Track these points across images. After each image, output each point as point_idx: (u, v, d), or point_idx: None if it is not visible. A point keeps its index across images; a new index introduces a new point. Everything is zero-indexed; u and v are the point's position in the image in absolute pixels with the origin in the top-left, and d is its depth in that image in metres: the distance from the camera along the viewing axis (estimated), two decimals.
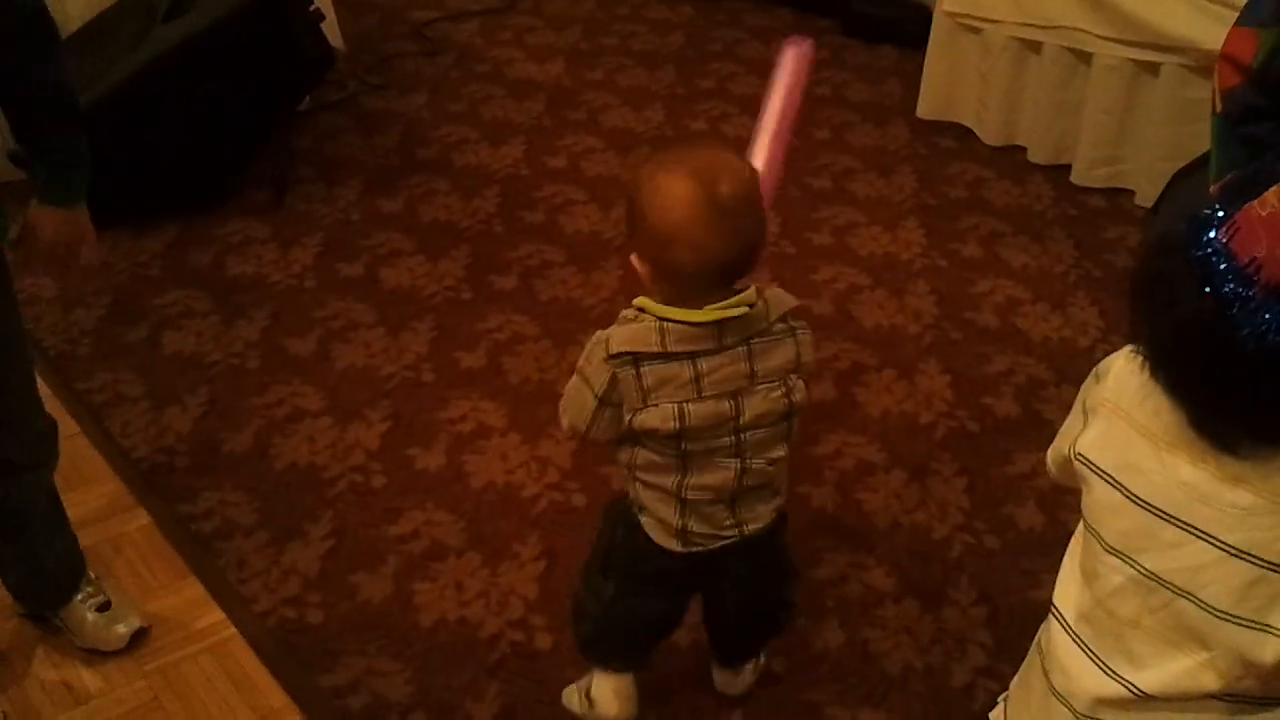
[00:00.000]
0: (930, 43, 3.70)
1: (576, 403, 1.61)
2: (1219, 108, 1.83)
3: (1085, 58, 3.36)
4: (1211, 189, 1.83)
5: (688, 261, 1.48)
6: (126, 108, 2.97)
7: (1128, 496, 1.15)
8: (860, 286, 3.02)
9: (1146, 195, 3.36)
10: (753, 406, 1.57)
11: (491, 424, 2.54)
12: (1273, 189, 1.04)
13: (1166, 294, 1.08)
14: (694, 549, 1.67)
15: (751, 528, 1.68)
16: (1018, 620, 2.12)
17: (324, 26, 3.38)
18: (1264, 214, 1.02)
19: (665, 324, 1.52)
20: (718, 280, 1.51)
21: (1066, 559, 1.30)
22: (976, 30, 3.56)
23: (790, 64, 1.89)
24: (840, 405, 2.60)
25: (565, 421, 1.65)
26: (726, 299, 1.52)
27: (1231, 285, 1.02)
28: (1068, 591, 1.26)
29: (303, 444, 2.47)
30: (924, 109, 3.80)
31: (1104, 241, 3.23)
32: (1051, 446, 1.37)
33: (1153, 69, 3.23)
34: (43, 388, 2.57)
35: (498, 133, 3.70)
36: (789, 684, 2.02)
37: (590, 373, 1.58)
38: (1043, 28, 3.40)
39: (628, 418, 1.57)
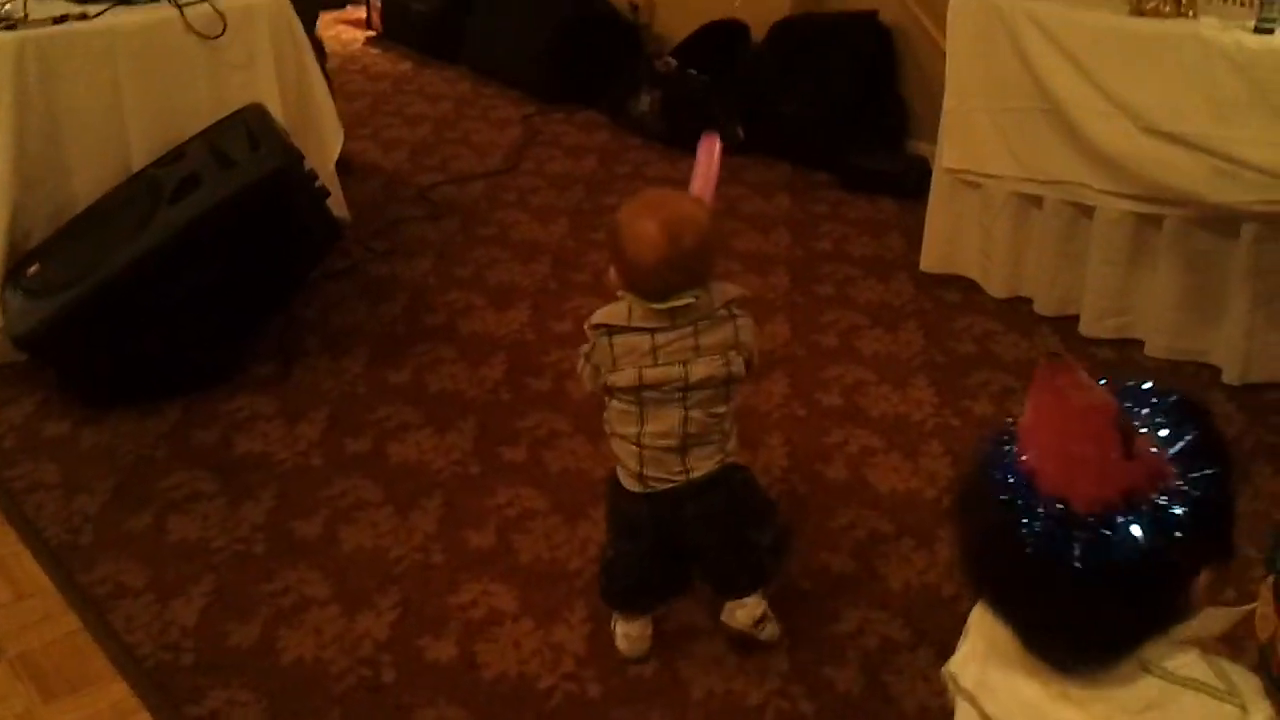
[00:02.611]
0: (931, 198, 3.73)
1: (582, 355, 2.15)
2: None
3: (1087, 211, 3.37)
4: None
5: (652, 288, 1.99)
6: (132, 291, 2.96)
7: (984, 716, 1.14)
8: (873, 449, 2.98)
9: (1156, 345, 3.35)
10: (697, 372, 2.03)
11: (503, 608, 2.48)
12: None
13: (970, 508, 1.12)
14: (650, 489, 2.12)
15: (696, 474, 2.11)
16: None
17: (329, 201, 3.40)
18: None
19: (634, 306, 2.02)
20: (671, 295, 1.99)
21: None
22: (977, 186, 3.59)
23: (704, 153, 2.32)
24: (860, 578, 2.54)
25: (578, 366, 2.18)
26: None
27: (1013, 495, 1.04)
28: None
29: (310, 636, 2.41)
30: (927, 262, 3.81)
31: None
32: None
33: (1156, 221, 3.24)
34: (45, 582, 2.57)
35: (504, 297, 3.70)
36: None
37: (587, 337, 2.10)
38: (1043, 183, 3.42)
39: (602, 378, 2.07)
